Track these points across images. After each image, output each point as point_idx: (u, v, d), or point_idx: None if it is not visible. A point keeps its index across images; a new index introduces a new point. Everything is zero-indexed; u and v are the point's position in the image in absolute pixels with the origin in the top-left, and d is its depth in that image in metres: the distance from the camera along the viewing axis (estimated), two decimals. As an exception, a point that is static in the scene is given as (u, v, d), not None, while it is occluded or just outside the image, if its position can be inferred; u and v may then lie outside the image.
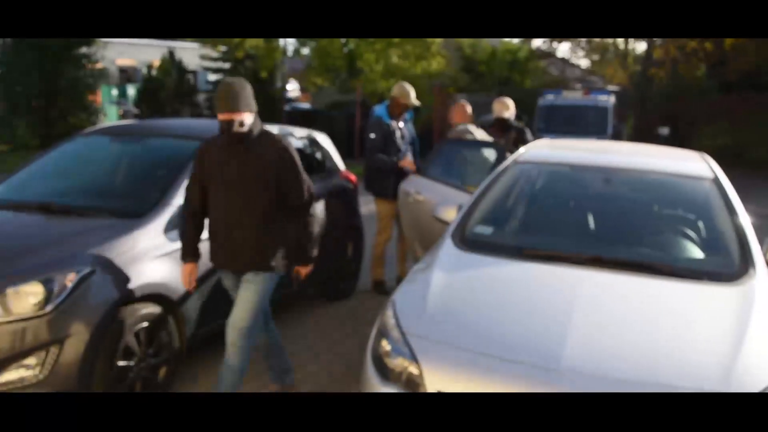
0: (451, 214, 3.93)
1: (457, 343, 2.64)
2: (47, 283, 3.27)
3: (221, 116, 3.31)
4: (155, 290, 3.70)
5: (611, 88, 22.05)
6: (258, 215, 3.39)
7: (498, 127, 6.48)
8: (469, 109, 6.16)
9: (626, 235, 3.64)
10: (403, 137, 5.98)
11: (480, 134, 5.99)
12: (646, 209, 3.93)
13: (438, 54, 19.25)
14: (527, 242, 3.53)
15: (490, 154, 5.38)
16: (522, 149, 4.50)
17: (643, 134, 18.55)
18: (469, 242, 3.48)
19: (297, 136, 5.69)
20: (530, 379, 2.42)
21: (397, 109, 5.93)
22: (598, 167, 4.12)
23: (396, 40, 18.64)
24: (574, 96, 16.67)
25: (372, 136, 5.85)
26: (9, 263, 3.38)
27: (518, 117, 19.73)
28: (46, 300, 3.24)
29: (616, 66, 26.42)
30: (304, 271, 3.69)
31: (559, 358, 2.47)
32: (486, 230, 3.68)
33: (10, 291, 3.21)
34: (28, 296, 3.23)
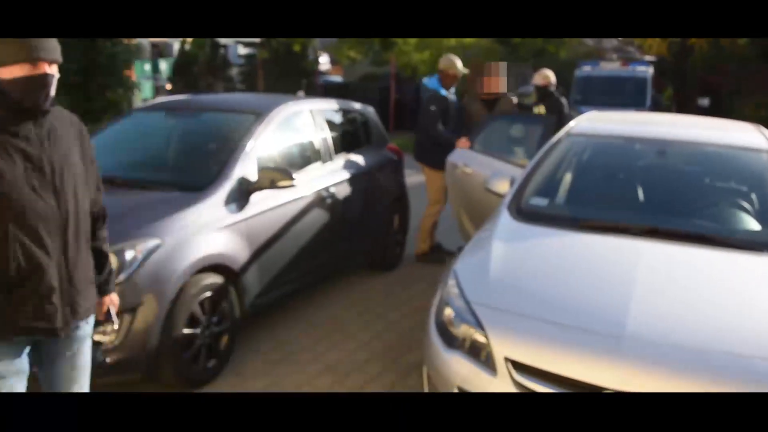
0: (503, 187, 3.98)
1: (522, 311, 2.72)
2: (119, 254, 3.40)
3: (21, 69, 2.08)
4: (217, 261, 3.82)
5: (649, 58, 21.64)
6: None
7: (538, 96, 6.88)
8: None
9: (682, 206, 3.66)
10: (455, 109, 6.06)
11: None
12: (701, 181, 3.94)
13: (472, 25, 19.07)
14: (584, 213, 3.57)
15: (537, 128, 5.40)
16: (573, 122, 4.51)
17: (682, 105, 18.22)
18: (525, 213, 3.53)
19: (346, 110, 5.77)
20: (595, 346, 2.48)
21: (449, 81, 6.00)
22: (652, 139, 4.12)
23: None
24: (611, 67, 16.42)
25: (432, 108, 5.92)
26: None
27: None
28: (119, 270, 3.38)
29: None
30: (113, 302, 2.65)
31: (623, 324, 2.53)
32: (541, 202, 3.73)
33: (84, 261, 3.35)
34: (101, 266, 3.36)
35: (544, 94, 6.93)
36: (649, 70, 15.87)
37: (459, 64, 5.99)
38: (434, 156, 5.97)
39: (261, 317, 4.52)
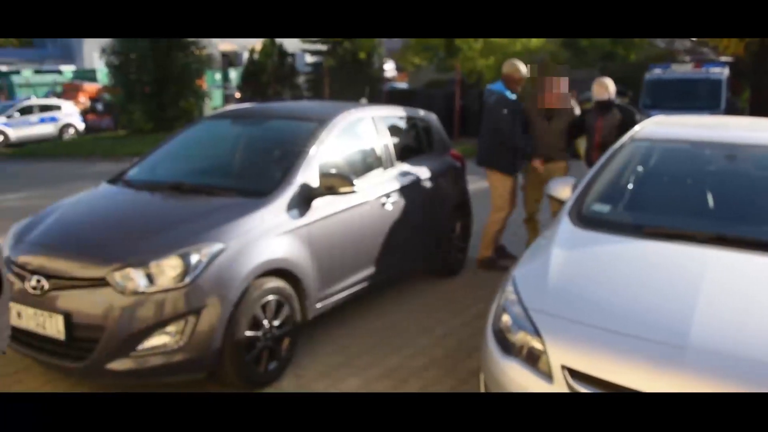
0: (565, 192, 3.92)
1: (580, 319, 2.68)
2: (185, 258, 3.53)
3: None
4: (279, 265, 3.91)
5: (725, 59, 20.88)
6: None
7: (598, 109, 5.90)
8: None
9: (751, 213, 3.53)
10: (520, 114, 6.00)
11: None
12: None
13: (538, 29, 18.83)
14: (647, 220, 3.49)
15: None
16: (637, 127, 4.41)
17: (762, 108, 17.47)
18: (586, 220, 3.48)
19: (408, 116, 5.80)
20: (656, 356, 2.42)
21: (514, 85, 5.94)
22: (720, 143, 3.99)
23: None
24: (683, 69, 15.92)
25: (505, 111, 5.84)
26: (150, 239, 3.67)
27: (622, 93, 19.04)
28: (185, 273, 3.50)
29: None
30: None
31: (686, 334, 2.46)
32: (603, 208, 3.66)
33: (153, 264, 3.49)
34: (168, 269, 3.50)
35: (606, 107, 5.88)
36: (725, 72, 15.32)
37: (523, 68, 5.94)
38: (502, 160, 5.93)
39: (322, 321, 4.59)
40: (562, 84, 5.82)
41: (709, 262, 2.95)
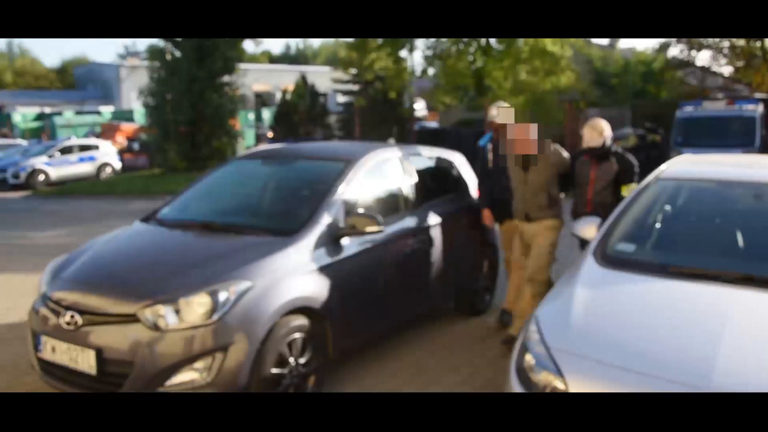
0: (590, 232, 3.93)
1: (603, 359, 2.67)
2: (213, 295, 3.60)
3: None
4: (306, 304, 3.95)
5: (759, 96, 20.69)
6: None
7: (591, 158, 5.08)
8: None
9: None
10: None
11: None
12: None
13: (567, 68, 18.92)
14: (673, 259, 3.47)
15: None
16: (663, 165, 4.41)
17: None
18: (611, 259, 3.47)
19: (434, 156, 5.87)
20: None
21: (495, 130, 5.58)
22: (748, 182, 3.97)
23: (524, 56, 18.50)
24: (715, 107, 15.77)
25: (488, 157, 5.67)
26: (180, 276, 3.75)
27: (654, 130, 18.86)
28: (213, 310, 3.57)
29: (765, 72, 24.75)
30: None
31: (709, 377, 2.44)
32: (628, 247, 3.65)
33: (182, 301, 3.57)
34: (197, 306, 3.57)
35: (601, 155, 5.04)
36: (759, 109, 15.15)
37: (494, 111, 5.60)
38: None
39: (347, 360, 4.61)
40: (529, 130, 4.81)
41: (735, 303, 2.93)
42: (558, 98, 18.76)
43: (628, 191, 4.54)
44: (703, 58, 35.37)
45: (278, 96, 29.73)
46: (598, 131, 5.02)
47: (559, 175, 5.15)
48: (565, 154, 5.18)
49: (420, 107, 29.31)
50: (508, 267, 5.79)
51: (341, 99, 28.35)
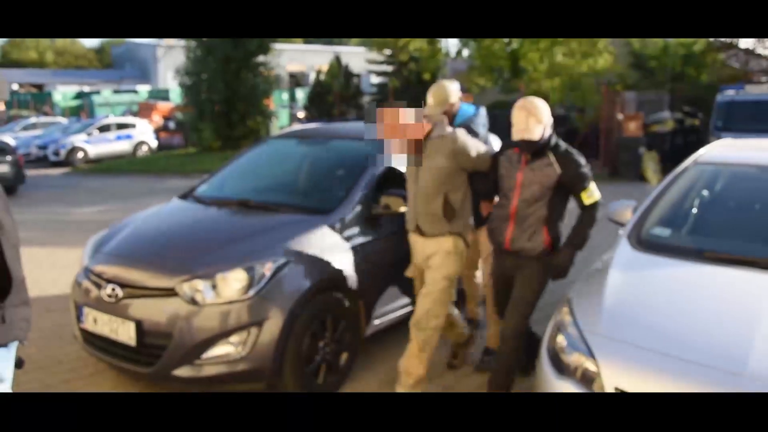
0: (626, 215, 3.90)
1: (636, 342, 2.67)
2: (250, 271, 3.67)
3: None
4: (339, 281, 4.01)
5: (804, 80, 20.11)
6: None
7: (522, 153, 3.59)
8: None
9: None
10: None
11: None
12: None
13: (605, 51, 18.58)
14: (708, 245, 3.43)
15: None
16: (702, 150, 4.35)
17: (841, 131, 16.73)
18: (645, 243, 3.46)
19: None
20: (711, 382, 2.40)
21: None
22: (789, 168, 3.90)
23: (561, 37, 18.22)
24: (758, 90, 15.39)
25: None
26: (217, 252, 3.84)
27: (693, 114, 18.51)
28: (249, 286, 3.65)
29: (811, 55, 24.01)
30: None
31: (744, 362, 2.43)
32: (664, 232, 3.62)
33: (219, 276, 3.65)
34: (234, 282, 3.65)
35: (537, 151, 3.54)
36: (803, 94, 14.75)
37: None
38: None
39: (379, 338, 4.66)
40: (403, 115, 3.62)
41: (771, 289, 2.90)
42: (595, 81, 18.45)
43: (590, 198, 3.49)
44: (746, 40, 34.51)
45: (312, 76, 29.78)
46: (536, 117, 3.41)
47: (473, 173, 3.76)
48: (475, 143, 3.69)
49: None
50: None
51: (375, 80, 28.29)
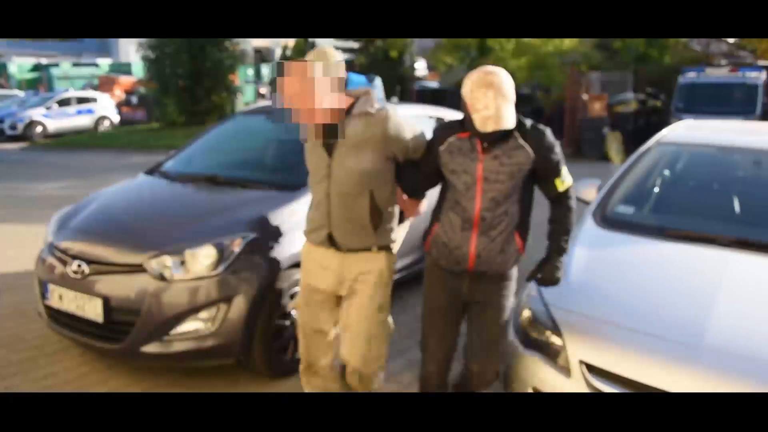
0: (591, 194, 3.99)
1: (599, 316, 2.75)
2: (219, 247, 3.66)
3: None
4: (308, 257, 4.02)
5: (763, 63, 20.57)
6: None
7: (477, 138, 2.71)
8: None
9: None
10: None
11: None
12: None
13: (571, 31, 18.71)
14: (670, 222, 3.54)
15: None
16: (665, 130, 4.45)
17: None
18: (609, 221, 3.55)
19: (436, 117, 5.88)
20: (671, 354, 2.49)
21: None
22: (747, 149, 4.02)
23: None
24: (718, 73, 15.74)
25: None
26: (186, 228, 3.81)
27: (655, 95, 18.85)
28: (218, 262, 3.64)
29: (769, 39, 24.55)
30: None
31: (701, 335, 2.53)
32: (627, 210, 3.72)
33: (188, 253, 3.63)
34: (203, 258, 3.63)
35: (500, 135, 2.69)
36: (762, 76, 15.12)
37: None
38: None
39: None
40: (312, 71, 2.66)
41: (729, 265, 3.01)
42: (560, 61, 18.62)
43: (564, 184, 2.78)
44: (708, 23, 34.94)
45: (278, 52, 29.41)
46: (504, 95, 2.57)
47: (403, 163, 2.91)
48: (410, 123, 2.86)
49: (421, 67, 29.07)
50: None
51: (341, 56, 28.06)
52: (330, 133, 2.76)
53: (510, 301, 2.90)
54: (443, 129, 2.83)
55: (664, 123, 10.95)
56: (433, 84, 26.10)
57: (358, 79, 3.00)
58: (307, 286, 3.08)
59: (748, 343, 2.48)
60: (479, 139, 2.68)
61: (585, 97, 15.86)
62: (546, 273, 2.82)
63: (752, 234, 3.27)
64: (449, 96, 18.76)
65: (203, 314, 3.61)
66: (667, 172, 4.07)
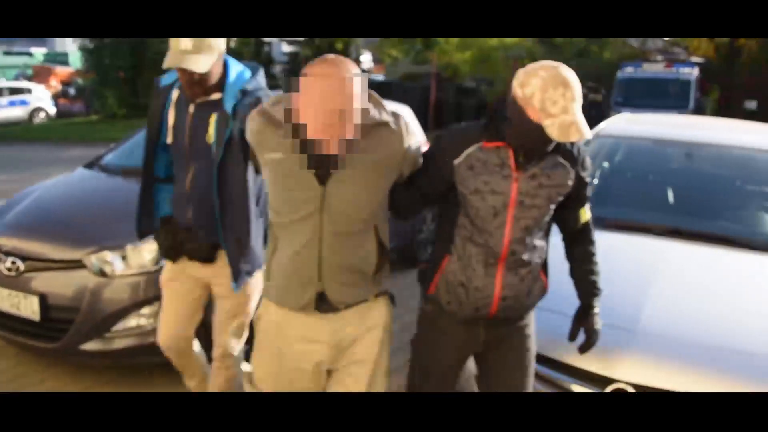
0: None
1: (545, 306, 2.77)
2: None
3: None
4: (253, 251, 3.99)
5: (695, 60, 21.31)
6: None
7: (510, 149, 2.20)
8: None
9: (707, 208, 3.72)
10: None
11: None
12: (728, 184, 3.97)
13: (514, 25, 19.01)
14: (608, 213, 3.64)
15: None
16: (603, 123, 4.57)
17: (729, 108, 17.92)
18: (550, 212, 3.62)
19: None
20: (609, 339, 2.56)
21: None
22: (681, 142, 4.17)
23: (472, 11, 18.46)
24: (654, 68, 16.25)
25: None
26: (127, 223, 3.71)
27: (595, 89, 19.34)
28: (157, 262, 3.57)
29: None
30: None
31: (637, 319, 2.62)
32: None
33: (129, 248, 3.56)
34: (144, 253, 3.57)
35: (552, 149, 2.20)
36: (694, 72, 15.67)
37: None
38: None
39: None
40: (346, 84, 1.91)
41: (664, 254, 3.13)
42: (504, 55, 18.90)
43: (586, 214, 2.40)
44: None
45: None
46: (579, 94, 2.08)
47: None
48: (409, 131, 2.19)
49: (366, 59, 29.08)
50: None
51: (287, 48, 27.83)
52: (328, 160, 1.96)
53: (534, 341, 2.41)
54: (456, 137, 2.24)
55: (604, 116, 11.24)
56: (379, 77, 26.15)
57: (239, 69, 2.66)
58: (281, 366, 2.21)
59: (680, 328, 2.59)
60: (513, 151, 2.13)
61: (528, 90, 16.14)
62: (590, 324, 2.38)
63: (684, 223, 3.41)
64: (395, 89, 18.84)
65: (145, 310, 3.55)
66: (606, 164, 4.18)
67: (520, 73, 2.13)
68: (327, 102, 1.86)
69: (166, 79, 2.79)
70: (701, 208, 3.70)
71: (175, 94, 2.73)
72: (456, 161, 2.17)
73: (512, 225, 2.16)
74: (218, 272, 2.74)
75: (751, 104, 17.97)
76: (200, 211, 2.68)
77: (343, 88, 1.88)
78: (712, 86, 20.14)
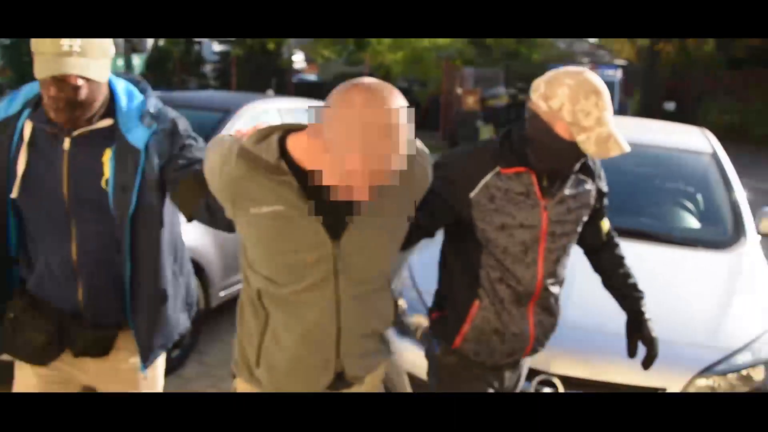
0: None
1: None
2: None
3: None
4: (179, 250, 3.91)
5: (618, 62, 22.11)
6: None
7: (536, 173, 1.97)
8: None
9: (627, 205, 3.85)
10: None
11: None
12: (647, 182, 4.14)
13: (445, 26, 19.27)
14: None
15: None
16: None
17: (650, 110, 18.67)
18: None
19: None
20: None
21: None
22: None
23: (404, 12, 18.61)
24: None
25: None
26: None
27: (525, 90, 19.78)
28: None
29: (624, 40, 26.41)
30: None
31: (565, 311, 2.71)
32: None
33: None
34: None
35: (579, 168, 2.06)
36: (618, 74, 16.25)
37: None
38: None
39: (227, 309, 4.62)
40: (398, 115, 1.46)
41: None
42: (436, 56, 19.12)
43: (606, 224, 2.32)
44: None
45: (150, 42, 28.23)
46: (610, 103, 1.86)
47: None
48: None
49: (299, 59, 28.91)
50: None
51: (217, 47, 27.38)
52: (341, 206, 1.52)
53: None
54: (465, 165, 1.95)
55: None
56: (312, 77, 26.06)
57: (125, 85, 2.02)
58: None
59: (600, 319, 2.71)
60: (536, 174, 1.88)
61: (459, 91, 16.40)
62: (647, 334, 2.24)
63: (619, 222, 3.53)
64: (327, 89, 18.78)
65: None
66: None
67: (541, 84, 1.83)
68: (375, 144, 1.38)
69: (6, 108, 1.93)
70: (622, 205, 3.83)
71: (27, 128, 1.89)
72: (472, 194, 1.89)
73: (544, 260, 1.97)
74: (112, 365, 2.05)
75: (670, 105, 18.78)
76: (96, 286, 1.94)
77: (397, 125, 1.41)
78: (635, 88, 20.96)
